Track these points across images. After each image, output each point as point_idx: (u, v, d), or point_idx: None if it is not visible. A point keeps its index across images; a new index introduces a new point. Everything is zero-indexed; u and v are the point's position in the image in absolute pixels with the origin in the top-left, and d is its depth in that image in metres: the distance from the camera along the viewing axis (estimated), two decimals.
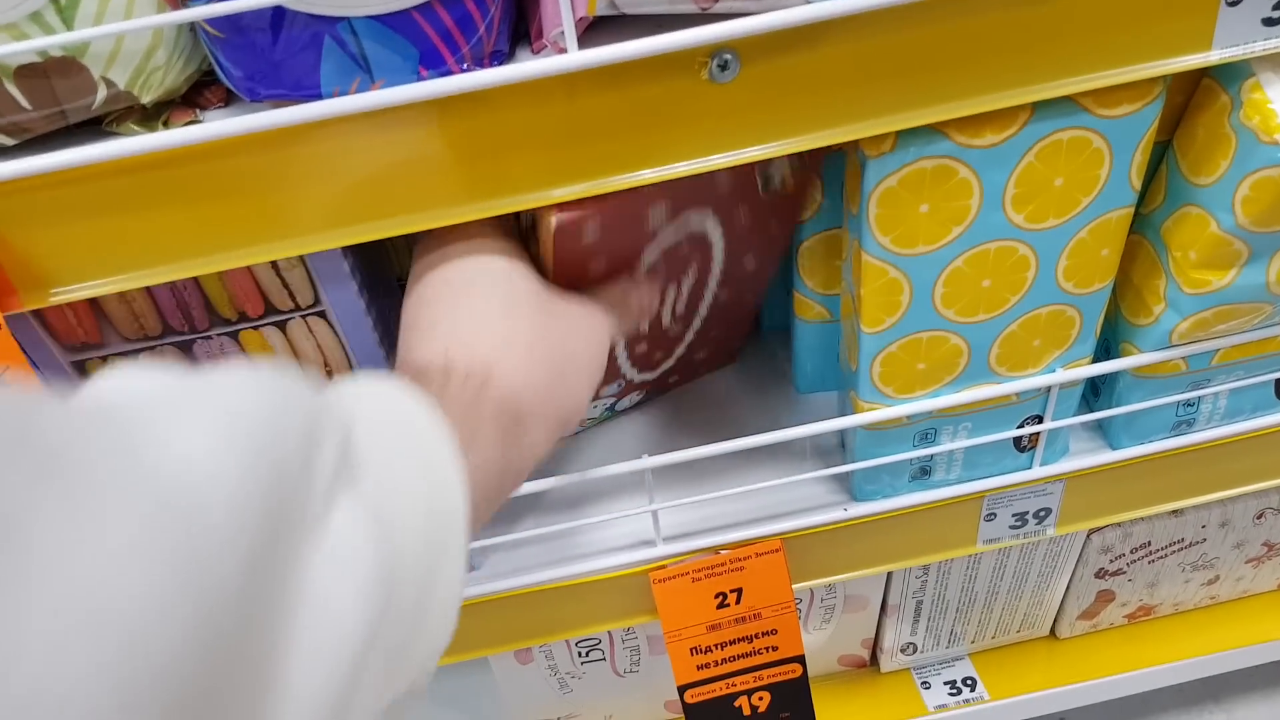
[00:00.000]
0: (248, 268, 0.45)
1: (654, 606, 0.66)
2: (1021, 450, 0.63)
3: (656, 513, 0.61)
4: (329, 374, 0.51)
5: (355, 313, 0.48)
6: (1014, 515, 0.66)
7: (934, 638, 0.87)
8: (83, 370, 0.48)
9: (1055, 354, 0.57)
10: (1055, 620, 0.89)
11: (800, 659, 0.67)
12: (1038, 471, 0.64)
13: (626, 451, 0.70)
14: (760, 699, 0.68)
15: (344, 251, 0.46)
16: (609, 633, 0.77)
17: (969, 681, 0.88)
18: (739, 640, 0.66)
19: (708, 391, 0.74)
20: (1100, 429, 0.66)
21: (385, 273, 0.55)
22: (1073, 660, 0.89)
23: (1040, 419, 0.61)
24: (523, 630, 0.67)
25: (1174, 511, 0.78)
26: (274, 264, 0.45)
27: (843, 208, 0.58)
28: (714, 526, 0.64)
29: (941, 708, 0.87)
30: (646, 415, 0.73)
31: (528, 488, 0.57)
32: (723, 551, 0.64)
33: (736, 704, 0.68)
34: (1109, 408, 0.62)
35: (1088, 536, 0.79)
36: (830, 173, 0.57)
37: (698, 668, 0.66)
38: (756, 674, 0.67)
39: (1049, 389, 0.58)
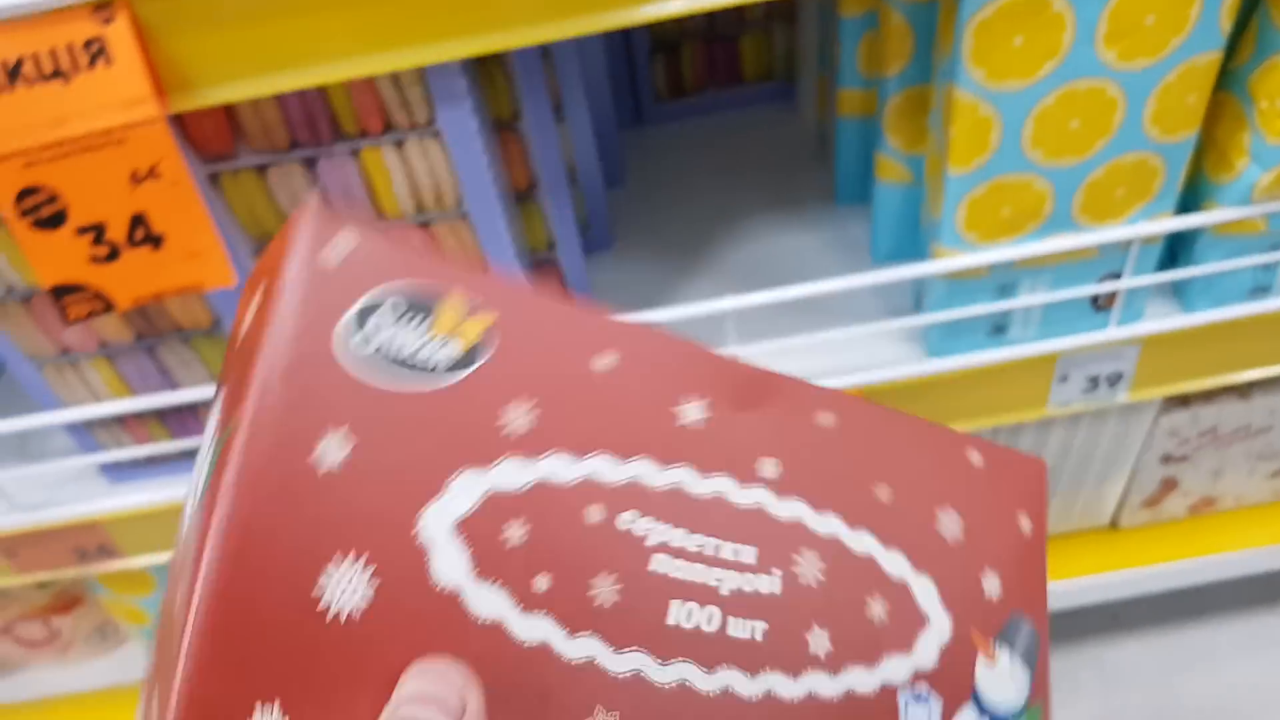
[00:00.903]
0: (371, 82, 0.48)
1: None
2: (1098, 309, 0.64)
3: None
4: (440, 200, 0.54)
5: (467, 133, 0.51)
6: (1087, 378, 0.68)
7: None
8: (216, 182, 0.52)
9: (1138, 206, 0.58)
10: (1117, 509, 0.90)
11: None
12: (1113, 333, 0.65)
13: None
14: None
15: (463, 72, 0.48)
16: None
17: None
18: None
19: (783, 264, 0.76)
20: (1176, 294, 0.67)
21: (490, 112, 0.57)
22: (1132, 549, 0.91)
23: (1119, 276, 0.62)
24: None
25: (1242, 395, 0.79)
26: (395, 79, 0.48)
27: (931, 61, 0.59)
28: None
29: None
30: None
31: None
32: None
33: None
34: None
35: (1155, 419, 0.80)
36: (919, 26, 0.58)
37: None
38: None
39: (1130, 243, 0.60)
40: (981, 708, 0.34)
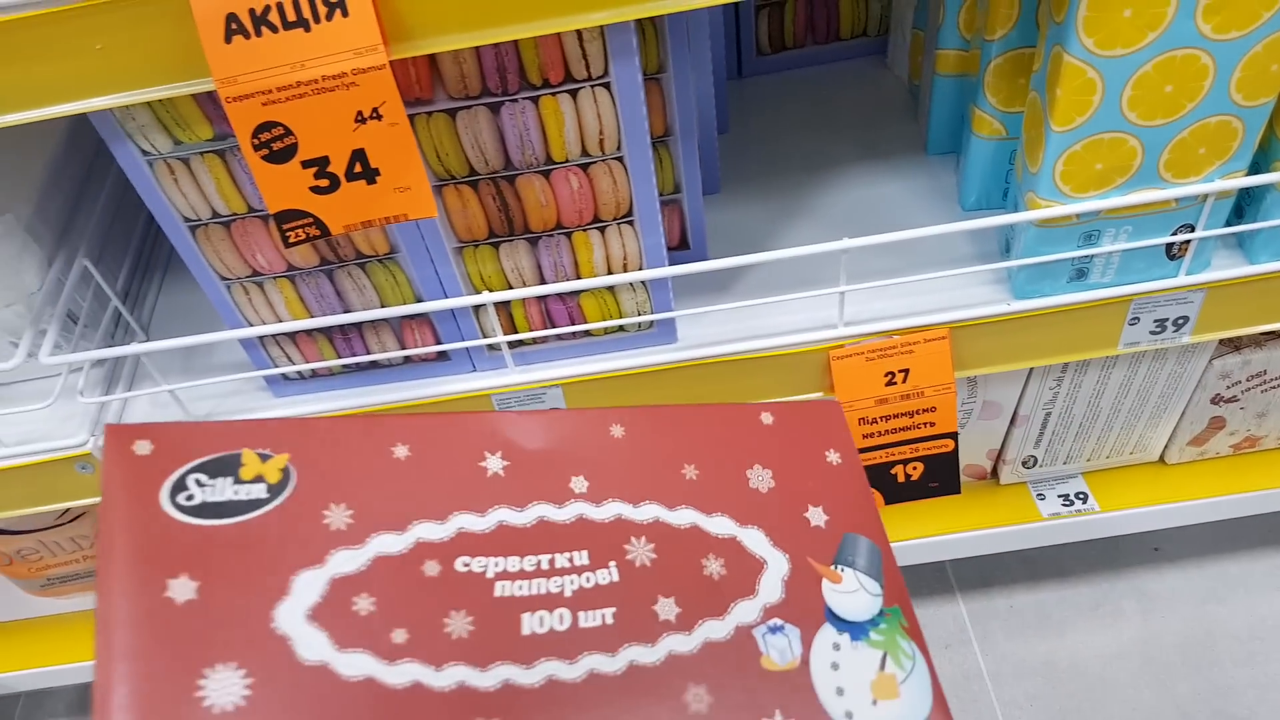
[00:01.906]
0: (559, 37, 0.55)
1: (829, 382, 0.76)
2: (1171, 258, 0.71)
3: (844, 295, 0.71)
4: (602, 144, 0.60)
5: (634, 85, 0.57)
6: (1155, 321, 0.75)
7: (1053, 454, 0.96)
8: (412, 123, 0.58)
9: (1216, 164, 0.65)
10: (1166, 446, 0.97)
11: (954, 435, 0.77)
12: (1183, 279, 0.72)
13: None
14: (914, 469, 0.78)
15: (635, 29, 0.55)
16: None
17: (1081, 495, 0.98)
18: (901, 415, 0.76)
19: (877, 209, 0.82)
20: (1241, 247, 0.74)
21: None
22: (1178, 483, 0.98)
23: (1192, 228, 0.69)
24: (712, 396, 0.77)
25: None
26: (580, 34, 0.55)
27: (1036, 27, 0.66)
28: (887, 315, 0.74)
29: (1055, 515, 0.97)
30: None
31: (726, 263, 0.67)
32: (895, 336, 0.74)
33: (893, 471, 0.78)
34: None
35: (1209, 361, 0.87)
36: None
37: (863, 437, 0.77)
38: (914, 445, 0.77)
39: (1206, 197, 0.66)
40: (840, 624, 0.38)
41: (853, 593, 0.39)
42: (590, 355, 0.75)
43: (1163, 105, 0.61)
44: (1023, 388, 0.88)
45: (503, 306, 0.70)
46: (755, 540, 0.39)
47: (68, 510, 0.92)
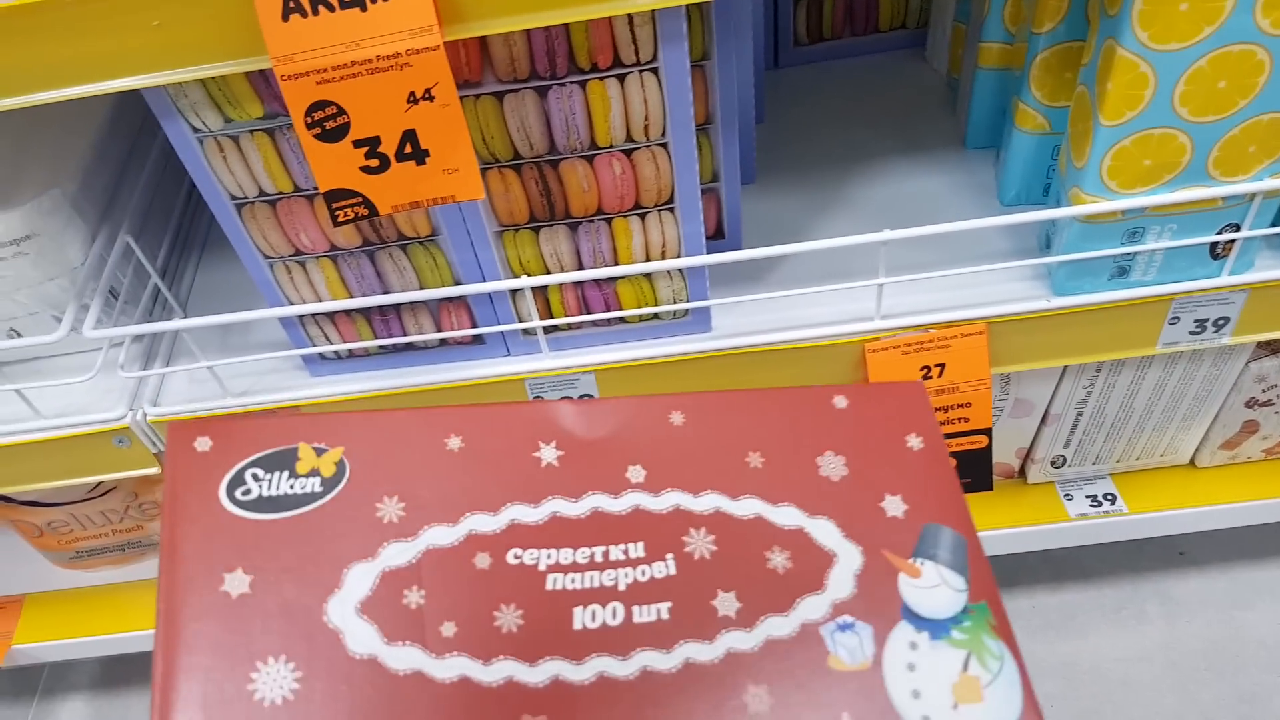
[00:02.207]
0: (609, 21, 0.55)
1: (864, 375, 0.76)
2: (1215, 258, 0.70)
3: (882, 287, 0.71)
4: (646, 130, 0.60)
5: (681, 71, 0.57)
6: (1196, 321, 0.74)
7: (1082, 455, 0.96)
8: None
9: (1265, 163, 0.64)
10: (1197, 449, 0.97)
11: (988, 431, 0.77)
12: (1226, 279, 0.71)
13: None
14: None
15: (685, 15, 0.55)
16: None
17: (1109, 496, 0.98)
18: (936, 410, 0.76)
19: (915, 203, 0.82)
20: None
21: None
22: (1208, 487, 0.98)
23: (1238, 227, 0.68)
24: (746, 386, 0.77)
25: None
26: (631, 19, 0.55)
27: (1086, 20, 0.65)
28: (924, 309, 0.74)
29: (1082, 516, 0.97)
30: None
31: (764, 252, 0.67)
32: (931, 330, 0.73)
33: None
34: None
35: (1246, 365, 0.86)
36: None
37: None
38: (948, 441, 0.77)
39: (1254, 196, 0.66)
40: (919, 622, 0.35)
41: (933, 588, 0.36)
42: (624, 342, 0.75)
43: (1215, 101, 0.60)
44: (1055, 386, 0.87)
45: (539, 291, 0.70)
46: (825, 532, 0.38)
47: (99, 484, 0.93)
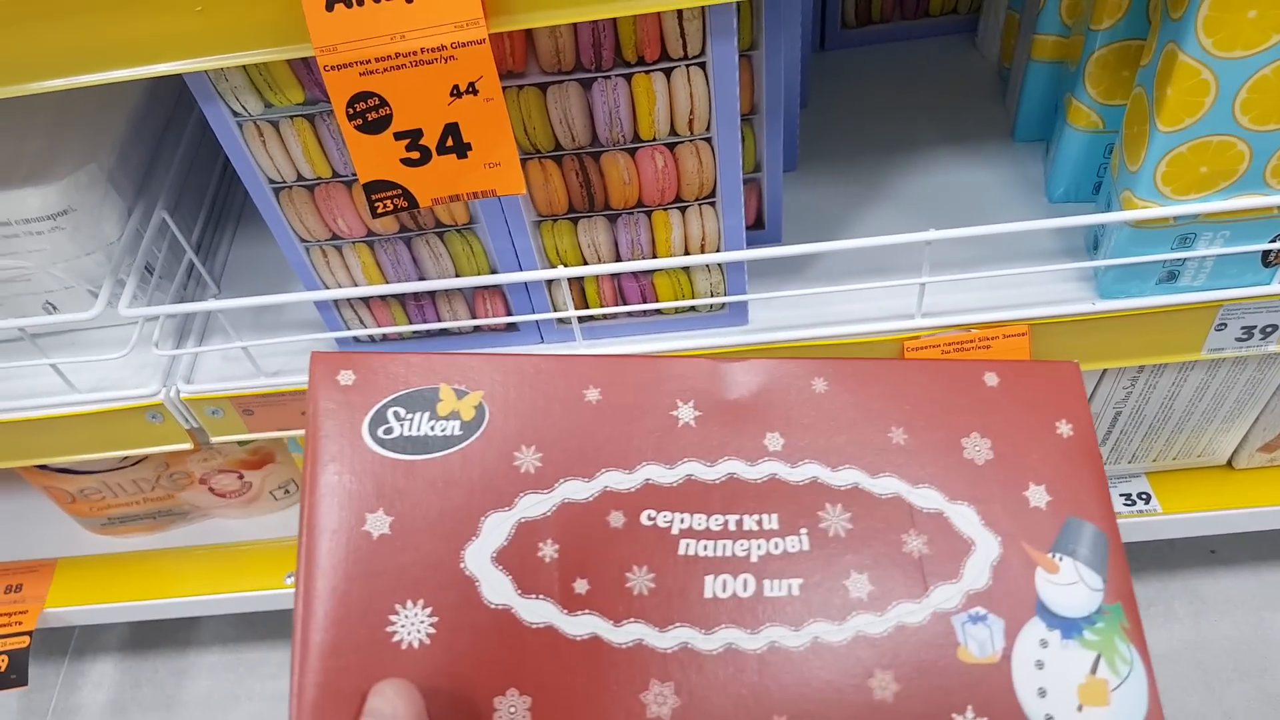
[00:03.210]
0: (658, 14, 0.53)
1: None
2: (1267, 265, 0.69)
3: (924, 285, 0.69)
4: (691, 125, 0.59)
5: (729, 66, 0.56)
6: (1243, 327, 0.73)
7: (1119, 453, 0.94)
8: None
9: None
10: (1235, 451, 0.95)
11: None
12: (1277, 287, 0.69)
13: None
14: None
15: (736, 10, 0.54)
16: None
17: (1144, 495, 0.96)
18: None
19: (961, 195, 0.80)
20: None
21: None
22: (1244, 489, 0.96)
23: None
24: None
25: None
26: (680, 13, 0.53)
27: (1147, 18, 0.63)
28: (966, 308, 0.72)
29: (1117, 515, 0.95)
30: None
31: (805, 249, 0.66)
32: (973, 330, 0.72)
33: None
34: None
35: None
36: None
37: None
38: None
39: None
40: (1051, 619, 0.35)
41: (1070, 585, 0.35)
42: (660, 333, 0.74)
43: (1278, 110, 0.58)
44: (1095, 385, 0.86)
45: (575, 281, 0.70)
46: (965, 518, 0.36)
47: (132, 454, 0.93)
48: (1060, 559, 0.35)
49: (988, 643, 0.34)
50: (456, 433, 0.36)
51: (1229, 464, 0.97)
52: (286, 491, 1.02)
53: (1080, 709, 0.33)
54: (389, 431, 0.35)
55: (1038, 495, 0.37)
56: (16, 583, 1.02)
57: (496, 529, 0.34)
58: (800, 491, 0.36)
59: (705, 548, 0.34)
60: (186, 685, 1.15)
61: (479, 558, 0.34)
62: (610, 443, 0.36)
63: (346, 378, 0.36)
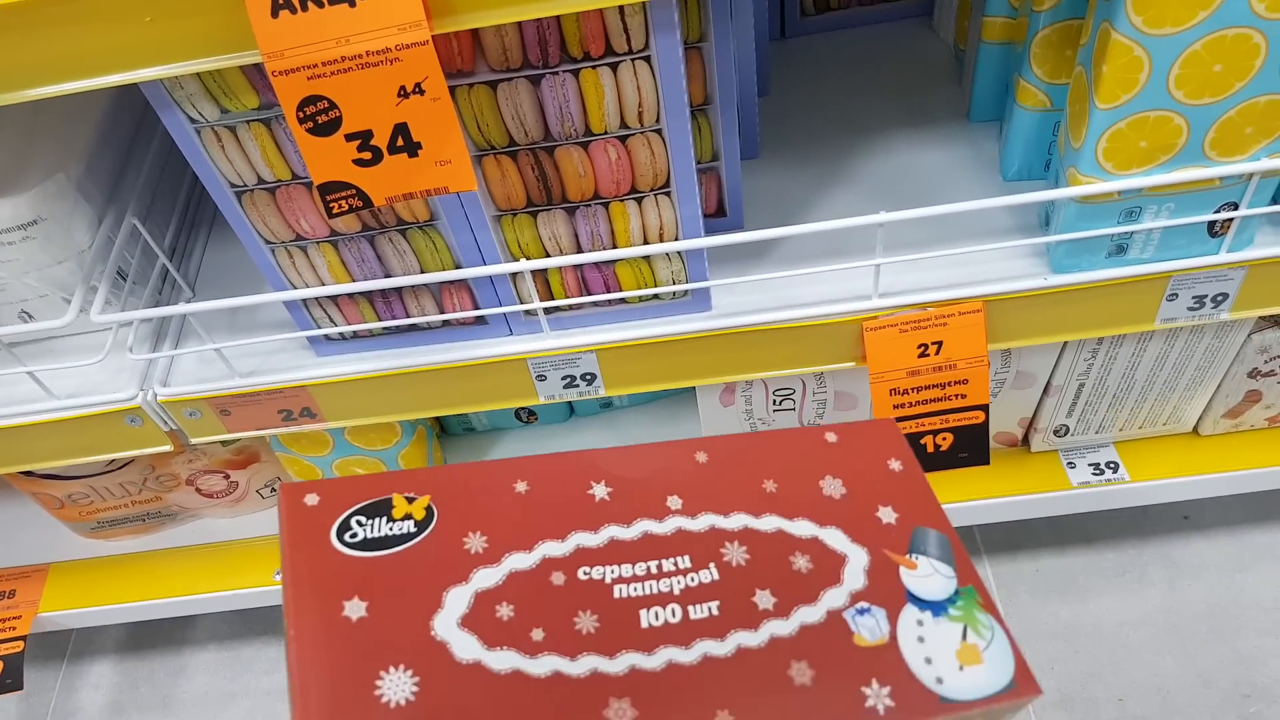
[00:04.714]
0: (600, 11, 0.55)
1: (860, 353, 0.76)
2: (1213, 236, 0.70)
3: (879, 267, 0.71)
4: (640, 117, 0.61)
5: (674, 59, 0.57)
6: (1194, 297, 0.74)
7: (1085, 423, 0.96)
8: (452, 95, 0.59)
9: (1263, 143, 0.64)
10: (1200, 418, 0.97)
11: (984, 407, 0.77)
12: (1224, 256, 0.71)
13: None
14: (944, 439, 0.79)
15: (676, 4, 0.55)
16: (803, 382, 0.88)
17: (1112, 465, 0.98)
18: (933, 386, 0.76)
19: (918, 176, 0.82)
20: None
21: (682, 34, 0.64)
22: (1211, 454, 0.98)
23: (1236, 206, 0.68)
24: (744, 364, 0.78)
25: None
26: (622, 8, 0.55)
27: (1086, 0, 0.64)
28: (922, 287, 0.74)
29: (1084, 484, 0.97)
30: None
31: (761, 235, 0.68)
32: (929, 308, 0.74)
33: (922, 441, 0.79)
34: None
35: (1248, 336, 0.86)
36: None
37: (894, 407, 0.77)
38: (944, 417, 0.78)
39: (1252, 175, 0.65)
40: (921, 604, 0.43)
41: (928, 576, 0.44)
42: (625, 321, 0.76)
43: (1211, 84, 0.60)
44: (1057, 358, 0.88)
45: (539, 273, 0.71)
46: (835, 538, 0.45)
47: (115, 458, 0.95)
48: (916, 558, 0.44)
49: (876, 629, 0.41)
50: (412, 530, 0.43)
51: (1195, 431, 0.99)
52: (273, 489, 1.04)
53: (961, 669, 0.40)
54: (354, 535, 0.42)
55: (887, 514, 0.46)
56: (9, 589, 1.04)
57: (458, 600, 0.41)
58: (703, 536, 0.44)
59: (635, 589, 0.42)
60: (183, 684, 1.17)
61: (446, 625, 0.40)
62: (542, 521, 0.44)
63: (312, 499, 0.43)
